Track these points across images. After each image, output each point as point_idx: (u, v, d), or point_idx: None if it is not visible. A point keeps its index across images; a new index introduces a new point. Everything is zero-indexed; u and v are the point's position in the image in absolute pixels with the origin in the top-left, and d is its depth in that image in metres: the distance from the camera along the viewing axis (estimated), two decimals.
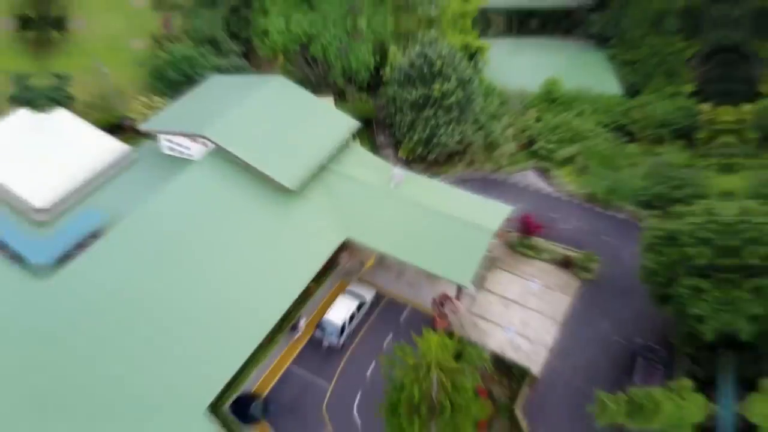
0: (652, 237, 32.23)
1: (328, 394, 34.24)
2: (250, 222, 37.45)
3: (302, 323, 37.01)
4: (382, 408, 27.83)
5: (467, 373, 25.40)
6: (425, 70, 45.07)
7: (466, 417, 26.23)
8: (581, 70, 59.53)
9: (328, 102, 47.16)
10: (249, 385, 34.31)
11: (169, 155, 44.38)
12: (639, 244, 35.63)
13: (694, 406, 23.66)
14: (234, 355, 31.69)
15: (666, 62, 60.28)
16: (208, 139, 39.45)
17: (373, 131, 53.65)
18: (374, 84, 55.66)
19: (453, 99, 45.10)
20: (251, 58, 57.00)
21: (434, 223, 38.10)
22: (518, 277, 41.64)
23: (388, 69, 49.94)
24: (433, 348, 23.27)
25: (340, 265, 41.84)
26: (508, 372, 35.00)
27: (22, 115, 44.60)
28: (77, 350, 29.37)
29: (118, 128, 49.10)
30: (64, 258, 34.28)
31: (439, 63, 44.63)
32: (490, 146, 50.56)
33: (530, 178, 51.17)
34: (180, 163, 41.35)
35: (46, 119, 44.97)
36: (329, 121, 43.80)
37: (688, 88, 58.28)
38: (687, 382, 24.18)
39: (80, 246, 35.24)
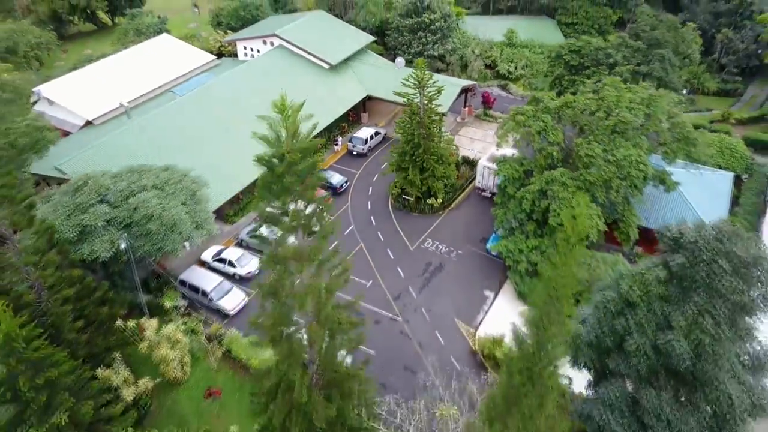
0: (550, 63, 52.90)
1: (357, 175, 53.93)
2: (303, 83, 58.01)
3: (340, 141, 57.09)
4: (393, 151, 47.50)
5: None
6: (419, 5, 66.92)
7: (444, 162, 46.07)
8: (535, 29, 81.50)
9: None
10: None
11: (243, 60, 65.57)
12: None
13: None
14: None
15: (597, 24, 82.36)
16: (278, 36, 60.73)
17: None
18: (383, 41, 77.51)
19: (438, 25, 66.65)
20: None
21: None
22: (481, 130, 61.81)
23: (392, 11, 71.87)
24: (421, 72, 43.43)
25: (362, 122, 62.22)
26: (473, 167, 54.40)
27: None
28: (188, 127, 49.34)
29: None
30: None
31: (427, 1, 66.57)
32: (465, 66, 71.75)
33: (494, 89, 71.99)
34: None
35: (158, 41, 66.60)
36: (354, 34, 65.44)
37: (613, 38, 79.99)
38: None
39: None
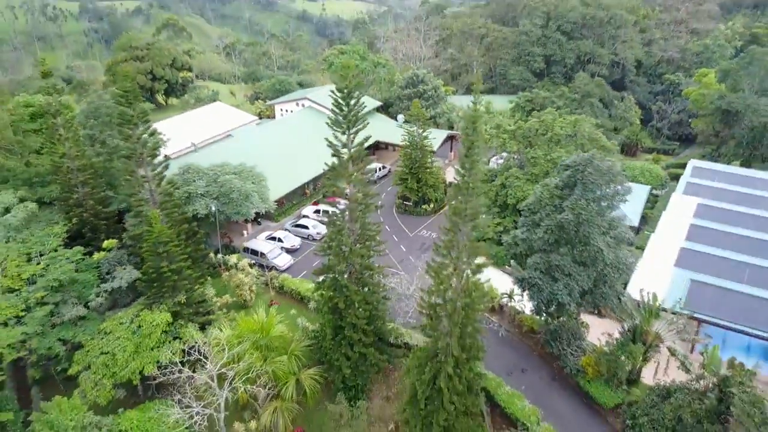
0: (511, 110, 71.21)
1: None
2: (327, 131, 76.26)
3: None
4: (396, 177, 64.50)
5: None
6: (415, 79, 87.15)
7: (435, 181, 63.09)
8: (507, 102, 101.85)
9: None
10: None
11: (279, 120, 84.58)
12: None
13: None
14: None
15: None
16: (308, 99, 79.92)
17: None
18: (387, 111, 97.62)
19: (429, 93, 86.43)
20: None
21: None
22: None
23: (394, 87, 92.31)
24: (417, 109, 61.05)
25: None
26: None
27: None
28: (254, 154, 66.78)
29: None
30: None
31: (421, 76, 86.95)
32: (451, 126, 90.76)
33: None
34: None
35: (212, 106, 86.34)
36: (365, 99, 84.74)
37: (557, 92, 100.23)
38: None
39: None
